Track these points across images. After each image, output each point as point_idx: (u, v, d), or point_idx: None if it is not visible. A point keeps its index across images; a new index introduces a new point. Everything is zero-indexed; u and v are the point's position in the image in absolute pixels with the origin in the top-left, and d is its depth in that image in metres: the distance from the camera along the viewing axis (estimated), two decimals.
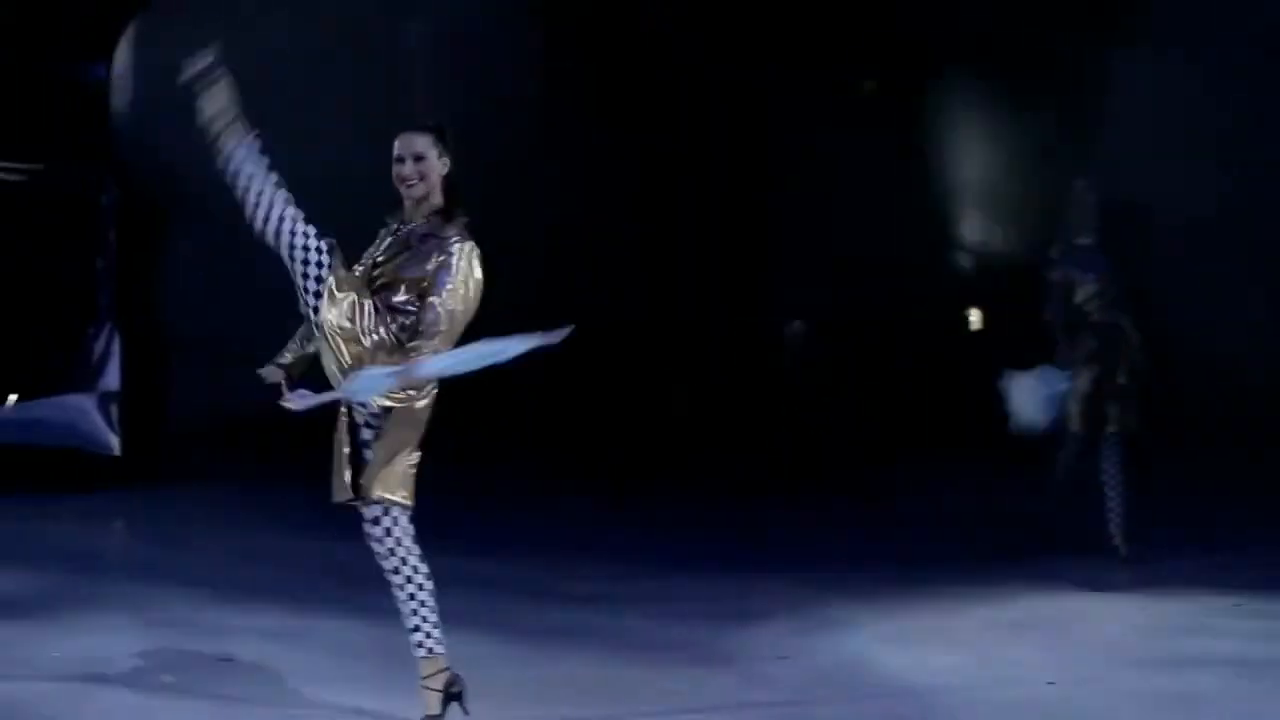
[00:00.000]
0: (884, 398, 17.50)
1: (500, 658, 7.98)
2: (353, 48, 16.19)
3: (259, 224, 6.49)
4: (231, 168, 6.54)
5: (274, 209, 6.49)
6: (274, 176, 6.51)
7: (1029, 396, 11.33)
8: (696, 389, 17.93)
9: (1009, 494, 13.70)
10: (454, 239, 6.65)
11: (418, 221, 6.78)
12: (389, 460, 6.66)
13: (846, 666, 8.39)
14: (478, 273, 6.62)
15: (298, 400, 6.62)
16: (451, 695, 6.80)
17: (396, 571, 6.75)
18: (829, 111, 18.02)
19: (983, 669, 8.38)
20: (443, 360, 6.45)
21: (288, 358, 6.86)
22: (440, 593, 6.81)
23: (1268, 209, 16.34)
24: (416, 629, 6.78)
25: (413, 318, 6.58)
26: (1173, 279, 15.13)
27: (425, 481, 6.75)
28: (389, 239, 6.79)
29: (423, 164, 6.77)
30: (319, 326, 6.51)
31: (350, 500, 6.75)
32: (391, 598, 6.82)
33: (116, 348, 15.52)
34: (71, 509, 13.57)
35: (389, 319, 6.58)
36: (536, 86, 17.10)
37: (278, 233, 6.48)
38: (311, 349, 6.76)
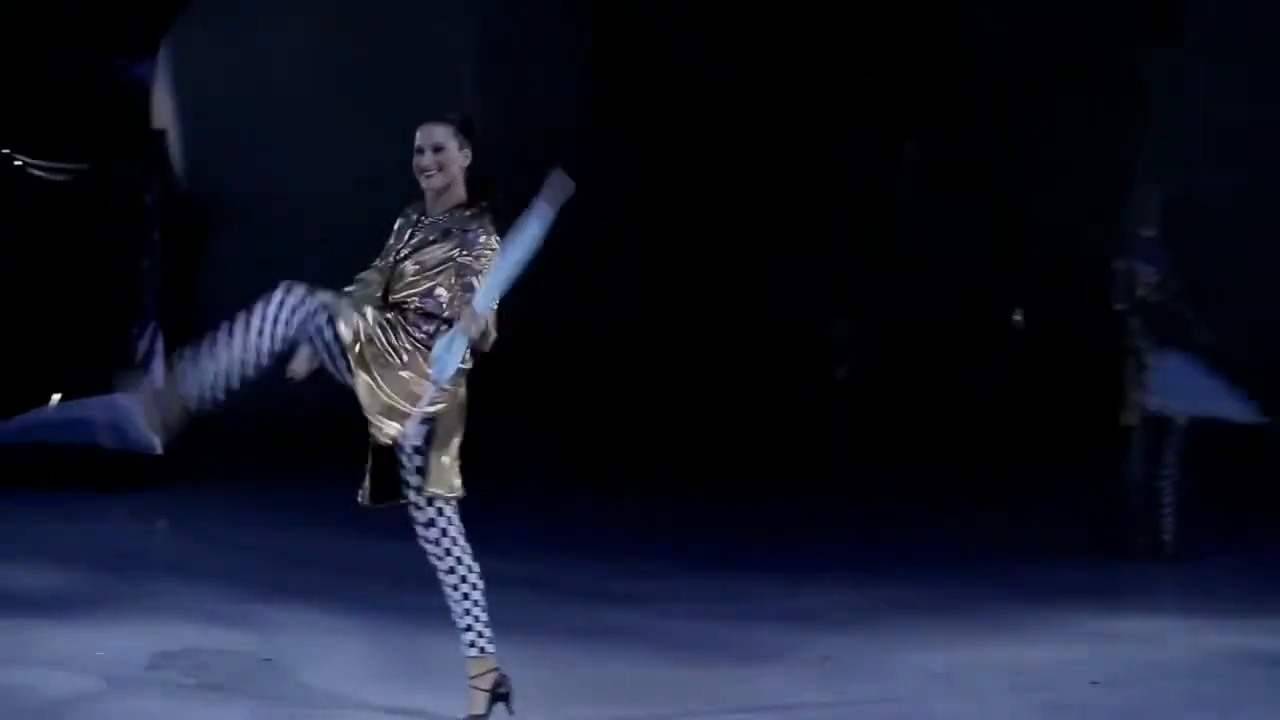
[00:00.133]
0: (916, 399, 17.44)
1: (541, 659, 7.94)
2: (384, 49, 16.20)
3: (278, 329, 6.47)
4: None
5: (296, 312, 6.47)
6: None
7: (1180, 380, 11.33)
8: (697, 389, 17.84)
9: (1061, 494, 13.70)
10: (474, 231, 6.62)
11: (439, 214, 6.74)
12: (446, 455, 6.64)
13: (892, 667, 8.35)
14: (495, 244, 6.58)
15: (415, 429, 6.56)
16: (498, 695, 6.78)
17: (451, 571, 6.72)
18: (831, 110, 17.87)
19: (1025, 668, 8.34)
20: (489, 286, 6.40)
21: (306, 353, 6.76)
22: None
23: None
24: (469, 628, 6.76)
25: (436, 322, 6.55)
26: (1234, 278, 15.07)
27: None
28: (409, 230, 6.75)
29: (441, 154, 6.72)
30: (354, 374, 6.47)
31: (397, 503, 6.72)
32: (438, 596, 6.80)
33: (160, 347, 15.54)
34: (114, 508, 13.60)
35: (413, 330, 6.56)
36: (544, 88, 17.04)
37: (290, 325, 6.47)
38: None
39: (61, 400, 15.71)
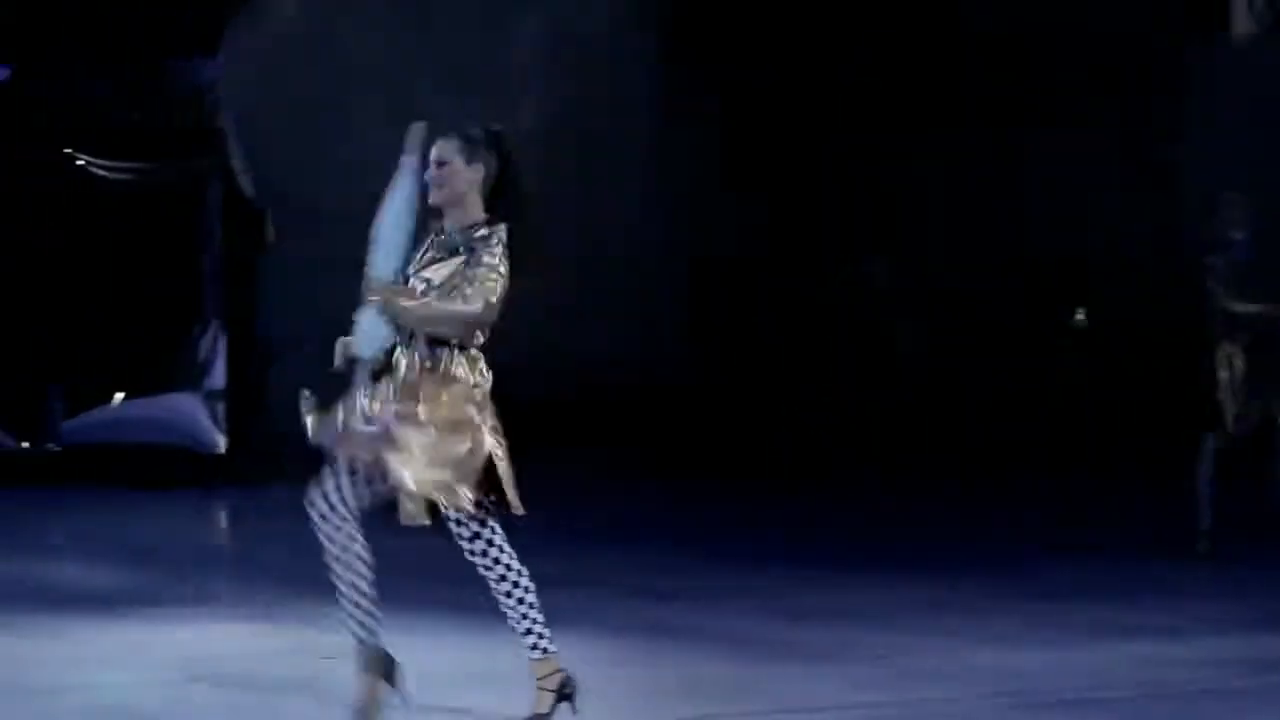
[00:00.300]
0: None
1: (595, 659, 7.93)
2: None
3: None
4: None
5: None
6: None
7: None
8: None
9: (1116, 495, 13.64)
10: (480, 250, 6.62)
11: (451, 231, 6.74)
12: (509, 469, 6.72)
13: (947, 666, 8.33)
14: (503, 267, 6.60)
15: (383, 426, 6.62)
16: (564, 695, 6.81)
17: (503, 579, 6.75)
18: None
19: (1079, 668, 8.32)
20: (376, 251, 6.61)
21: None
22: None
23: None
24: (529, 631, 6.77)
25: (442, 348, 6.61)
26: None
27: None
28: (425, 247, 6.79)
29: (443, 170, 6.73)
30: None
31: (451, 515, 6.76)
32: (492, 599, 6.82)
33: (222, 347, 15.62)
34: (177, 506, 13.68)
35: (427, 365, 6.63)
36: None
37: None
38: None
39: (124, 400, 15.84)
